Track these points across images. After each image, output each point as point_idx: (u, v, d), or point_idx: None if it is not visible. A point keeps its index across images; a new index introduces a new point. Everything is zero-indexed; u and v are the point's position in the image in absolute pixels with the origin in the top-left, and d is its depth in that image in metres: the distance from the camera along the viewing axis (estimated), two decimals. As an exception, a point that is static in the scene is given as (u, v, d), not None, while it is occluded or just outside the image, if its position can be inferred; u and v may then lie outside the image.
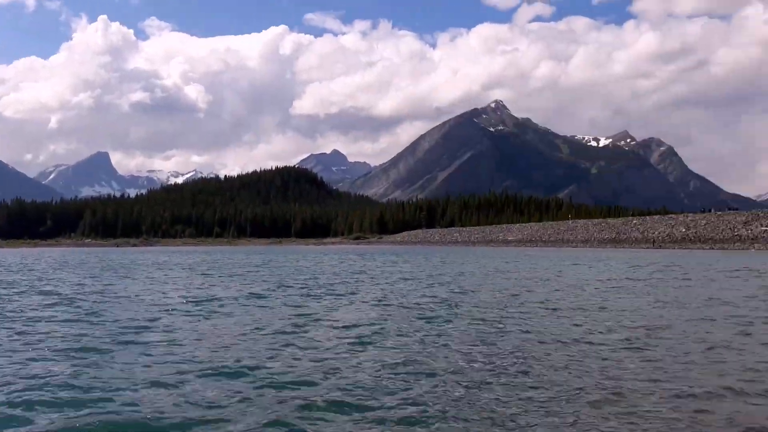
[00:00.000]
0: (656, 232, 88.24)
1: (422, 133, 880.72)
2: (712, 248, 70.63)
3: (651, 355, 8.63)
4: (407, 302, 15.76)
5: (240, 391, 6.84)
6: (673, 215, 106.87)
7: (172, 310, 14.29)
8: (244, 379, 7.42)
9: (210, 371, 7.75)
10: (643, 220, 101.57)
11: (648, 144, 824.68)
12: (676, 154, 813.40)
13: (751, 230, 73.92)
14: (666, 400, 6.43)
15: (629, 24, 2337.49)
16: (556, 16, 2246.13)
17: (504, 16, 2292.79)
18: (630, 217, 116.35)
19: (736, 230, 76.23)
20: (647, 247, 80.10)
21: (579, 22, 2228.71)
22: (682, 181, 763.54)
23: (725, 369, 7.77)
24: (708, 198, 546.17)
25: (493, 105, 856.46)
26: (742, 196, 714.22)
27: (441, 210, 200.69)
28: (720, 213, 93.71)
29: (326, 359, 8.49)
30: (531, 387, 6.94)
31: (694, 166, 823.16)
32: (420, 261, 45.64)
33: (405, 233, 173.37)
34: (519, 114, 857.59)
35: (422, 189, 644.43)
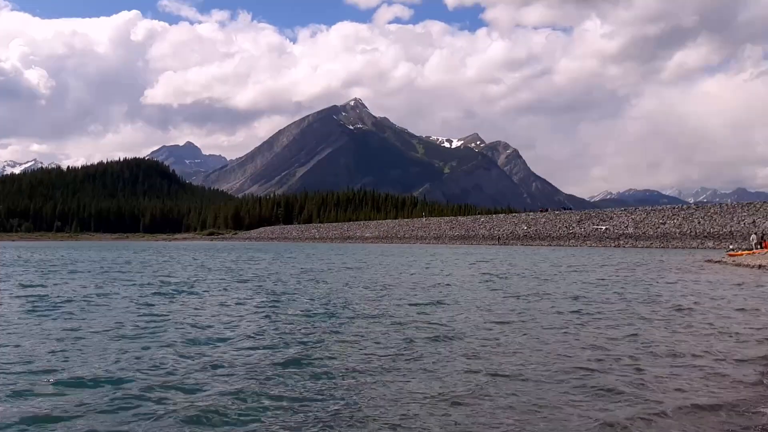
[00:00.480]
0: (501, 230, 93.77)
1: (281, 127, 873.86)
2: (550, 245, 76.24)
3: (510, 349, 9.02)
4: (272, 300, 15.45)
5: (82, 402, 6.19)
6: (516, 214, 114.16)
7: (1, 311, 12.97)
8: (87, 388, 6.73)
9: (48, 379, 6.98)
10: (490, 218, 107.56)
11: (495, 146, 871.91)
12: (520, 157, 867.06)
13: (584, 228, 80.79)
14: (527, 393, 6.72)
15: (481, 31, 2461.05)
16: (415, 19, 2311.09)
17: (364, 16, 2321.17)
18: (478, 216, 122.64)
19: (571, 228, 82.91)
20: (493, 244, 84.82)
21: (435, 27, 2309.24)
22: (525, 182, 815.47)
23: (579, 355, 8.28)
24: (548, 198, 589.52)
25: (352, 103, 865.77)
26: (577, 197, 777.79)
27: (299, 206, 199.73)
28: (557, 212, 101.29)
29: (178, 362, 7.96)
30: (402, 390, 6.95)
31: (536, 169, 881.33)
32: (280, 257, 45.11)
33: (262, 229, 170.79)
34: (377, 113, 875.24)
35: (280, 184, 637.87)
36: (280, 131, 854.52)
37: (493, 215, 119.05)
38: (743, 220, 63.62)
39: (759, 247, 37.67)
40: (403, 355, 8.49)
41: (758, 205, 68.60)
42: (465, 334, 10.10)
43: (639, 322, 11.56)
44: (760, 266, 27.12)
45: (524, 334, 10.23)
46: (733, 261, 31.88)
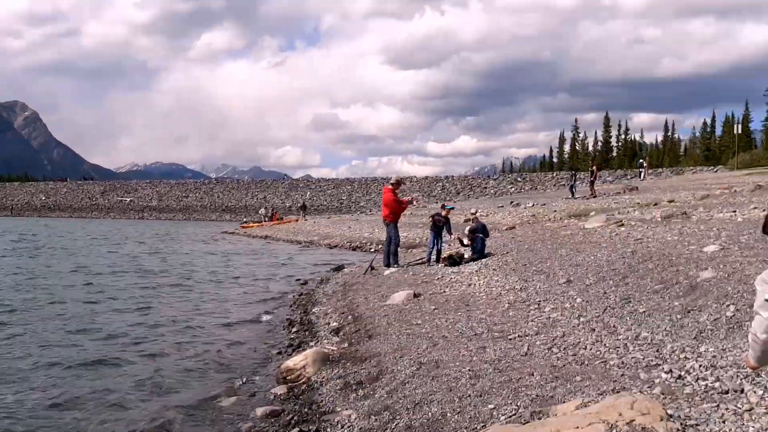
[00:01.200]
0: (16, 200, 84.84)
1: None
2: (71, 216, 72.14)
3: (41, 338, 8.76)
4: None
5: None
6: (33, 183, 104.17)
7: None
8: None
9: None
10: (2, 187, 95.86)
11: (12, 107, 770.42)
12: (41, 120, 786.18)
13: (108, 200, 79.19)
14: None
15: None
16: None
17: None
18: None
19: (94, 200, 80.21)
20: (6, 215, 76.06)
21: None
22: (46, 148, 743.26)
23: (160, 331, 8.56)
24: (72, 167, 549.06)
25: None
26: (104, 168, 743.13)
27: None
28: (79, 182, 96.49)
29: None
30: None
31: (59, 135, 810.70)
32: None
33: None
34: None
35: None
36: None
37: (6, 183, 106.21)
38: (257, 195, 71.59)
39: (268, 219, 42.95)
40: None
41: (269, 183, 78.91)
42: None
43: (181, 293, 12.38)
44: (266, 237, 31.29)
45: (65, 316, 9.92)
46: (245, 232, 35.90)
